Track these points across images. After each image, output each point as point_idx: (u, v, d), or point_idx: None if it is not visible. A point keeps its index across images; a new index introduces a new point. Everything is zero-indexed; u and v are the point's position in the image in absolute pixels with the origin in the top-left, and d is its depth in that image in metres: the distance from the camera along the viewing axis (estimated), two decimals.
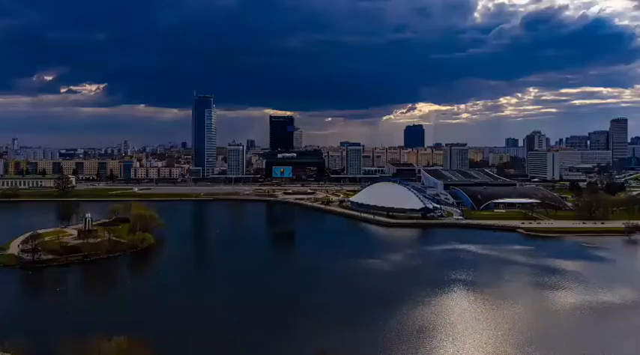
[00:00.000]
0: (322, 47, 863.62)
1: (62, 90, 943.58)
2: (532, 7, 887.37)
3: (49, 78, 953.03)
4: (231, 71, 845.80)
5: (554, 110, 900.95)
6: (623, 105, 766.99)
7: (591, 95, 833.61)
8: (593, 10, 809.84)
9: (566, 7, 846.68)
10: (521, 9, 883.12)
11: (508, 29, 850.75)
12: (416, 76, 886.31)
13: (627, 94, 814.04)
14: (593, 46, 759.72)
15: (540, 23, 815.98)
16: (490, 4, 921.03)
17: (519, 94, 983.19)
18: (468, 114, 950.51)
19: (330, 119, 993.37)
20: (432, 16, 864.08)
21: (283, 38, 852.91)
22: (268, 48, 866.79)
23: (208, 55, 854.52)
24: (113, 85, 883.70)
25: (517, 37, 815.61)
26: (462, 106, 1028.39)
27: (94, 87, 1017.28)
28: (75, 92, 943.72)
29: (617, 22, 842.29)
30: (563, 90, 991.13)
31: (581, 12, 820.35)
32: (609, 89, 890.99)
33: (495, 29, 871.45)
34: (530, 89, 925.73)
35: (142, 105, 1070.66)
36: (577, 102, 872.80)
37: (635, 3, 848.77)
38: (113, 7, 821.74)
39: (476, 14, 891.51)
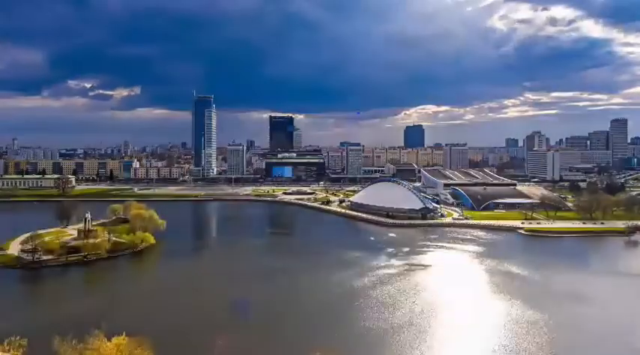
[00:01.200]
0: (338, 61, 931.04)
1: (91, 94, 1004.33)
2: (541, 34, 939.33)
3: (89, 84, 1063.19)
4: (250, 79, 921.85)
5: (553, 111, 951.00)
6: (615, 107, 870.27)
7: (582, 99, 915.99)
8: (588, 36, 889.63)
9: (566, 35, 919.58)
10: (531, 33, 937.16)
11: (514, 48, 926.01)
12: (424, 83, 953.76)
13: (615, 98, 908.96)
14: (586, 62, 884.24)
15: (542, 44, 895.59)
16: (506, 29, 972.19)
17: (521, 98, 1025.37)
18: (472, 116, 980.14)
19: (333, 120, 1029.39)
20: (452, 39, 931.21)
21: (308, 55, 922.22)
22: (292, 61, 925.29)
23: (238, 65, 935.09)
24: (144, 89, 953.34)
25: (520, 54, 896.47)
26: (469, 109, 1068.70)
27: (125, 91, 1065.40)
28: (103, 98, 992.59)
29: (609, 45, 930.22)
30: (561, 94, 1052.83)
31: (575, 38, 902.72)
32: (598, 95, 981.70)
33: (504, 48, 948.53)
34: (530, 94, 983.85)
35: (159, 108, 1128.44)
36: (572, 104, 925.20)
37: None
38: (167, 28, 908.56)
39: (495, 36, 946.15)
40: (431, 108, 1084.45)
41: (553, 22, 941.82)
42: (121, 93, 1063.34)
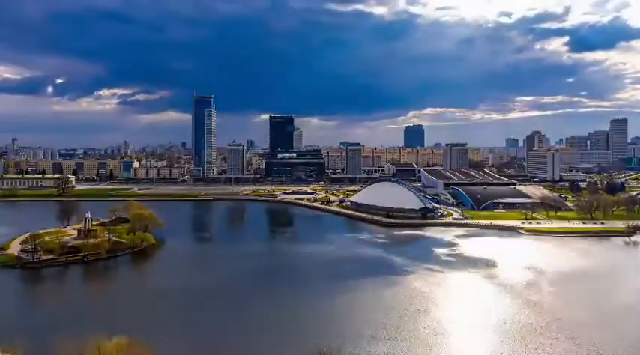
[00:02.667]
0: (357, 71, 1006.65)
1: (124, 100, 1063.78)
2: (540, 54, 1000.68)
3: (130, 91, 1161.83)
4: (275, 87, 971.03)
5: (550, 112, 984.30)
6: (607, 109, 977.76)
7: (576, 103, 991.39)
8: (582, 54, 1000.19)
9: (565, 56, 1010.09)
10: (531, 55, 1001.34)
11: (517, 61, 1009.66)
12: (431, 87, 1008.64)
13: (606, 101, 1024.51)
14: (581, 73, 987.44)
15: (541, 60, 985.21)
16: (511, 48, 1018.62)
17: (522, 100, 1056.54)
18: (476, 117, 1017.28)
19: (339, 122, 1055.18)
20: (468, 61, 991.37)
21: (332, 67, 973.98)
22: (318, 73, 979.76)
23: (268, 75, 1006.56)
24: (173, 95, 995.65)
25: (522, 66, 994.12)
26: (475, 111, 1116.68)
27: (156, 96, 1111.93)
28: (134, 103, 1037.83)
29: (600, 62, 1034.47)
30: (560, 98, 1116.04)
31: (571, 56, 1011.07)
32: (586, 99, 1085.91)
33: (508, 60, 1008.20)
34: (532, 97, 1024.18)
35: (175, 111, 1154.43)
36: (569, 107, 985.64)
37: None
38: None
39: (501, 52, 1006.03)
40: (437, 110, 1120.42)
41: (549, 44, 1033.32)
42: (150, 98, 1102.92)
